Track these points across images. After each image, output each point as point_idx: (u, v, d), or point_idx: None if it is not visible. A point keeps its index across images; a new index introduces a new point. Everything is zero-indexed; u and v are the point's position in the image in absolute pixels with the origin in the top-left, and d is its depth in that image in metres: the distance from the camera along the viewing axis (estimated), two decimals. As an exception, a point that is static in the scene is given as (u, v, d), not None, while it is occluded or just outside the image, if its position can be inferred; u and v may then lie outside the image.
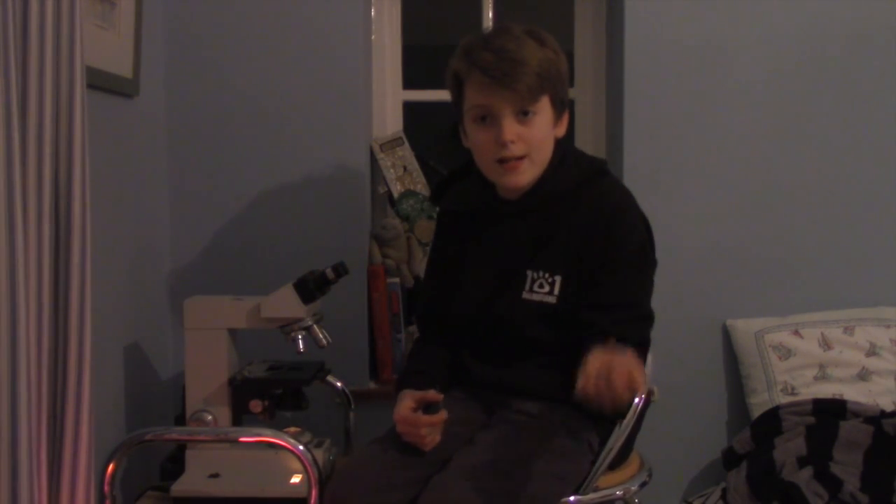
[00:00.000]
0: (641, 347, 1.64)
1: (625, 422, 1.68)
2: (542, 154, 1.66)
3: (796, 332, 2.28)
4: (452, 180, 1.85)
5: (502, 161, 1.63)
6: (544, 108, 1.63)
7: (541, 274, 1.67)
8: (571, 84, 2.49)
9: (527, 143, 1.62)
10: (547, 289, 1.66)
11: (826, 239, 2.36)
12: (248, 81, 2.31)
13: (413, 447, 1.64)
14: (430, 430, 1.62)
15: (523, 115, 1.60)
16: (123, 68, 2.01)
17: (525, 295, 1.67)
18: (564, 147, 1.75)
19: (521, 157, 1.62)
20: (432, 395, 1.64)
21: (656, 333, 1.77)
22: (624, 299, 1.64)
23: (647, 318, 1.68)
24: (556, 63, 1.63)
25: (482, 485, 1.50)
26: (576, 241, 1.65)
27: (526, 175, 1.65)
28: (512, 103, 1.59)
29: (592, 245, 1.64)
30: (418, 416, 1.62)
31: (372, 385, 2.37)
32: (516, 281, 1.69)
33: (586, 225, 1.65)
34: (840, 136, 2.34)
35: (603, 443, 1.69)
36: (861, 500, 1.84)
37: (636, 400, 1.70)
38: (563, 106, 1.68)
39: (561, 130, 1.70)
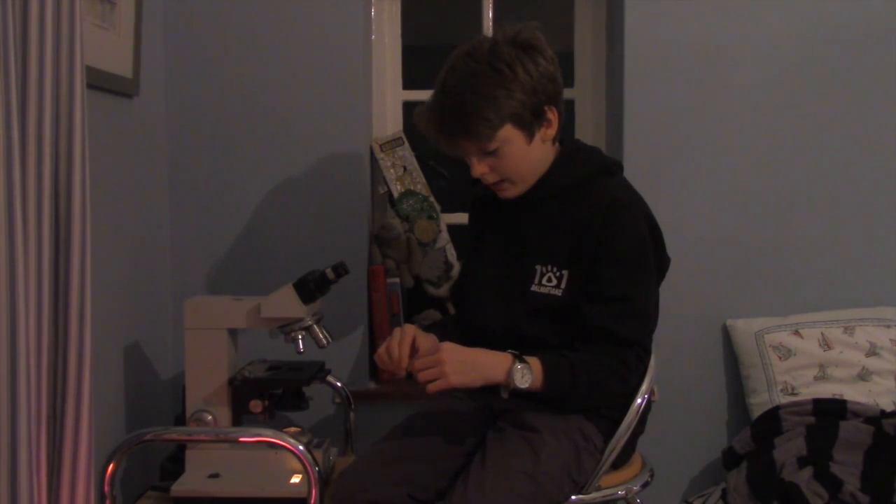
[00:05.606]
0: (627, 348, 1.66)
1: (626, 422, 1.70)
2: (524, 170, 1.69)
3: (796, 332, 2.27)
4: None
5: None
6: (509, 136, 1.62)
7: (549, 268, 1.70)
8: (571, 84, 2.50)
9: (499, 172, 1.67)
10: (554, 282, 1.69)
11: (826, 239, 2.36)
12: (248, 81, 2.31)
13: (412, 444, 1.69)
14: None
15: (488, 153, 1.64)
16: (123, 68, 2.01)
17: (534, 287, 1.70)
18: (577, 143, 1.79)
19: (499, 181, 1.69)
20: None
21: (657, 333, 1.77)
22: (614, 293, 1.65)
23: (640, 316, 1.68)
24: (522, 84, 1.58)
25: (501, 491, 1.54)
26: (576, 236, 1.68)
27: (511, 191, 1.71)
28: (471, 148, 1.64)
29: (589, 239, 1.66)
30: (404, 355, 1.65)
31: (372, 385, 2.37)
32: (526, 274, 1.72)
33: (585, 220, 1.67)
34: (840, 136, 2.34)
35: (606, 442, 1.71)
36: (861, 500, 1.84)
37: (639, 401, 1.71)
38: (538, 118, 1.64)
39: (549, 133, 1.68)
